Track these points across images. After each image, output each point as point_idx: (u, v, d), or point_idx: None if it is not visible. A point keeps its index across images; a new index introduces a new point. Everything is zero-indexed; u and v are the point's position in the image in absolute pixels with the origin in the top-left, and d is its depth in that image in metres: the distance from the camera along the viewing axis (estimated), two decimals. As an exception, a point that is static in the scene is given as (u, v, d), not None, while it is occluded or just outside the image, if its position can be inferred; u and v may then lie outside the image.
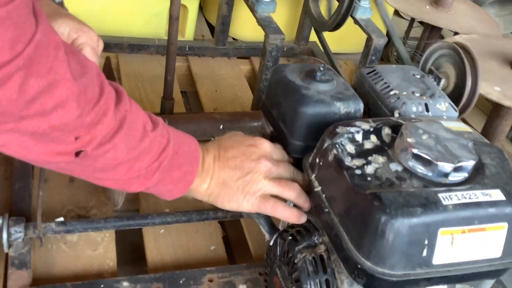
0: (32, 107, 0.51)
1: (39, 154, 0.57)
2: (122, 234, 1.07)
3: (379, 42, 1.43)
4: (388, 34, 1.55)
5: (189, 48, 1.75)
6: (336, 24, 1.51)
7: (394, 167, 0.68)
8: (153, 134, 0.67)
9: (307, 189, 0.78)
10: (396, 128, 0.74)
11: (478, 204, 0.63)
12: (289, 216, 0.76)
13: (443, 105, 0.85)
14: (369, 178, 0.66)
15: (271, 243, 0.84)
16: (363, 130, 0.73)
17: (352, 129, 0.72)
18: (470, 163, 0.66)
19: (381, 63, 1.64)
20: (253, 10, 1.42)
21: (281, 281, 0.80)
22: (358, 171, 0.67)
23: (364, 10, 1.50)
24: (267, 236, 0.87)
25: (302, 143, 0.81)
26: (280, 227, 0.88)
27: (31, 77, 0.50)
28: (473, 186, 0.65)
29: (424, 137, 0.68)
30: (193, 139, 0.75)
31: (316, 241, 0.77)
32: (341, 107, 0.79)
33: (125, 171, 0.65)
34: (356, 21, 1.51)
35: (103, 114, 0.59)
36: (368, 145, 0.72)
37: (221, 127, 1.16)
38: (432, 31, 1.75)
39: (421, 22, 1.91)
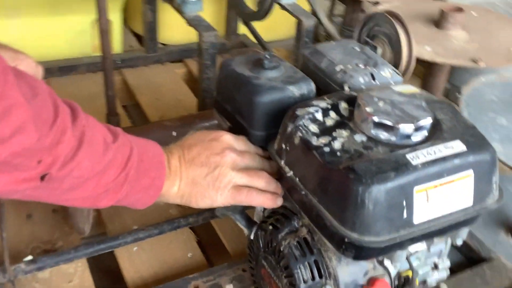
0: None
1: (4, 184, 0.55)
2: (95, 260, 1.04)
3: (309, 23, 1.46)
4: (314, 14, 1.58)
5: (121, 60, 1.71)
6: (265, 12, 1.53)
7: (359, 138, 0.69)
8: (115, 145, 0.65)
9: (278, 176, 0.78)
10: (351, 101, 0.76)
11: (444, 158, 0.66)
12: (264, 201, 0.76)
13: (387, 72, 0.88)
14: (338, 153, 0.67)
15: (251, 237, 0.84)
16: (322, 108, 0.74)
17: (311, 109, 0.74)
18: (428, 121, 0.69)
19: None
20: (180, 12, 1.41)
21: (270, 271, 0.80)
22: (326, 149, 0.68)
23: (288, -6, 1.53)
24: (245, 231, 0.87)
25: (263, 132, 0.81)
26: (256, 219, 0.89)
27: None
28: (435, 142, 0.68)
29: (381, 104, 0.70)
30: (155, 144, 0.74)
31: (296, 225, 0.77)
32: (294, 90, 0.80)
33: (92, 187, 0.64)
34: (283, 7, 1.53)
35: (61, 133, 0.57)
36: (329, 122, 0.73)
37: (174, 133, 1.14)
38: (354, 5, 1.80)
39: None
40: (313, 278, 0.74)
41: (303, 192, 0.70)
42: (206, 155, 0.75)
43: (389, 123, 0.67)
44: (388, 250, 0.67)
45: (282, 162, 0.75)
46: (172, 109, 1.57)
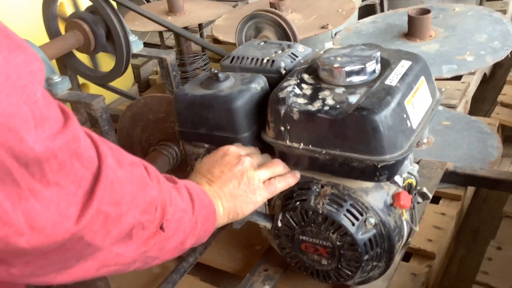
0: None
1: (134, 250, 0.56)
2: None
3: (172, 57, 1.55)
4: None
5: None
6: (123, 68, 1.57)
7: (339, 90, 0.83)
8: (180, 184, 0.69)
9: (281, 157, 0.87)
10: (308, 71, 0.89)
11: (406, 74, 0.83)
12: (290, 180, 0.85)
13: (301, 48, 1.03)
14: (337, 106, 0.79)
15: (279, 224, 0.91)
16: (294, 84, 0.86)
17: (289, 89, 0.85)
18: (378, 54, 0.85)
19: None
20: (52, 95, 1.37)
21: (312, 240, 0.89)
22: (326, 108, 0.80)
23: (136, 43, 1.60)
24: (268, 225, 0.94)
25: (248, 132, 0.89)
26: (267, 212, 0.96)
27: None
28: (391, 67, 0.85)
29: (339, 59, 0.85)
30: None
31: (317, 189, 0.87)
32: (256, 86, 0.90)
33: (184, 227, 0.66)
34: (135, 55, 1.59)
35: (157, 180, 0.60)
36: (307, 91, 0.85)
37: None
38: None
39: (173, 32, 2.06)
40: (357, 219, 0.85)
41: (323, 152, 0.81)
42: (228, 169, 0.80)
43: (358, 67, 0.82)
44: (407, 156, 0.81)
45: (288, 142, 0.84)
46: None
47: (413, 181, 0.93)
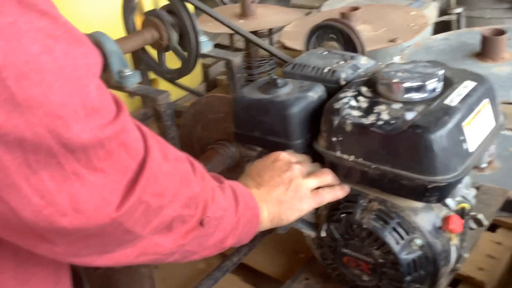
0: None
1: (172, 242, 0.58)
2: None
3: (238, 60, 1.58)
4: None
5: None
6: (192, 66, 1.62)
7: (396, 106, 0.81)
8: (225, 184, 0.70)
9: (331, 168, 0.87)
10: (367, 84, 0.88)
11: (468, 95, 0.81)
12: (338, 193, 0.85)
13: (364, 60, 1.02)
14: (392, 121, 0.78)
15: (322, 235, 0.91)
16: (351, 96, 0.85)
17: (345, 100, 0.84)
18: (442, 72, 0.83)
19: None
20: (121, 88, 1.44)
21: (355, 254, 0.88)
22: (380, 122, 0.79)
23: (206, 44, 1.64)
24: (312, 234, 0.94)
25: (301, 140, 0.90)
26: (308, 218, 0.96)
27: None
28: (454, 87, 0.83)
29: (400, 74, 0.84)
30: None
31: (365, 203, 0.86)
32: (313, 95, 0.91)
33: (224, 226, 0.67)
34: (204, 56, 1.64)
35: (201, 177, 0.62)
36: (363, 104, 0.84)
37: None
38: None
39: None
40: (402, 238, 0.83)
41: (373, 166, 0.80)
42: (277, 174, 0.81)
43: (418, 84, 0.80)
44: (460, 179, 0.79)
45: (338, 153, 0.84)
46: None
47: (467, 205, 0.90)
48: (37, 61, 0.41)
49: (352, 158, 0.83)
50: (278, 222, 0.81)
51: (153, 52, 1.77)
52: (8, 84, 0.40)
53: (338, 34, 1.20)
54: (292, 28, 1.73)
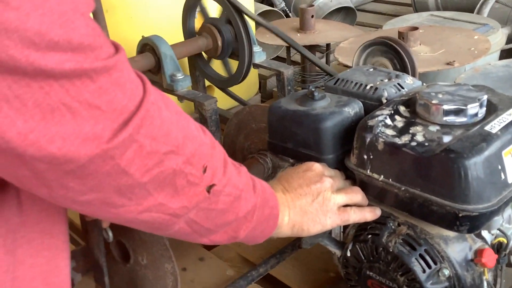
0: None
1: (178, 203, 0.57)
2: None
3: (289, 72, 1.58)
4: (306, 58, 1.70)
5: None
6: (243, 76, 1.63)
7: (433, 128, 0.78)
8: (243, 169, 0.69)
9: (361, 186, 0.85)
10: (406, 104, 0.85)
11: (511, 123, 0.76)
12: (366, 214, 0.82)
13: (409, 80, 0.99)
14: (426, 144, 0.75)
15: (348, 254, 0.88)
16: (387, 115, 0.83)
17: (380, 118, 0.82)
18: (485, 97, 0.79)
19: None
20: (172, 91, 1.47)
21: (379, 278, 0.85)
22: (413, 143, 0.76)
23: (260, 54, 1.65)
24: (337, 252, 0.91)
25: (333, 155, 0.88)
26: (341, 239, 0.93)
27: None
28: (498, 113, 0.79)
29: (440, 96, 0.80)
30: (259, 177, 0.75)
31: (393, 226, 0.83)
32: (349, 110, 0.89)
33: (237, 209, 0.66)
34: (256, 66, 1.65)
35: (211, 143, 0.61)
36: (399, 124, 0.82)
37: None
38: (310, 51, 1.96)
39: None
40: (429, 266, 0.79)
41: (402, 188, 0.77)
42: (307, 184, 0.80)
43: (458, 107, 0.77)
44: (497, 212, 0.74)
45: (368, 171, 0.82)
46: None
47: (504, 240, 0.84)
48: None
49: (382, 178, 0.80)
50: (298, 232, 0.79)
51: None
52: None
53: (390, 52, 1.17)
54: (348, 44, 1.71)
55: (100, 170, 0.49)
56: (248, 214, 0.68)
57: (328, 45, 1.98)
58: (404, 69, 1.15)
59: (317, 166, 0.83)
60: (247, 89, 2.18)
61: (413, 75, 1.15)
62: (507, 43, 1.98)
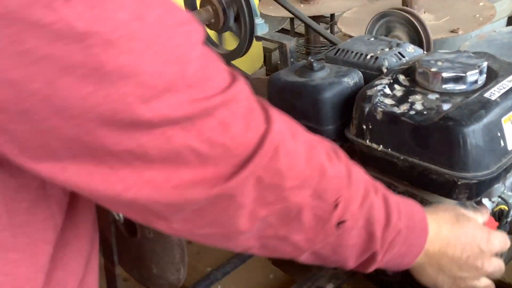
0: None
1: (300, 239, 0.53)
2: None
3: (292, 44, 1.56)
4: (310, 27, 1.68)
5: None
6: (245, 49, 1.62)
7: (432, 96, 0.77)
8: (379, 193, 0.60)
9: (362, 157, 0.84)
10: (406, 72, 0.84)
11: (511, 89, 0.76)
12: None
13: (411, 48, 0.98)
14: (425, 112, 0.75)
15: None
16: (386, 84, 0.82)
17: (379, 87, 0.81)
18: (485, 64, 0.78)
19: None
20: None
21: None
22: (412, 112, 0.75)
23: (262, 26, 1.63)
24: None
25: (332, 126, 0.88)
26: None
27: None
28: (498, 80, 0.78)
29: (440, 63, 0.79)
30: (419, 206, 0.66)
31: (393, 196, 0.83)
32: (349, 80, 0.88)
33: (374, 244, 0.58)
34: (259, 38, 1.63)
35: (347, 172, 0.55)
36: (398, 93, 0.81)
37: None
38: (314, 21, 1.94)
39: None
40: (429, 235, 0.79)
41: (401, 158, 0.77)
42: (471, 258, 0.67)
43: (458, 74, 0.76)
44: (496, 179, 0.74)
45: (367, 141, 0.81)
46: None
47: (506, 207, 0.84)
48: (127, 28, 0.38)
49: (381, 147, 0.80)
50: (417, 275, 0.69)
51: (212, 33, 1.79)
52: (95, 52, 0.37)
53: (402, 23, 1.15)
54: (351, 14, 1.68)
55: (217, 207, 0.46)
56: (389, 243, 0.59)
57: (332, 15, 1.95)
58: (419, 42, 1.14)
59: (496, 243, 0.69)
60: (251, 62, 2.17)
61: (428, 48, 1.14)
62: (515, 9, 1.94)
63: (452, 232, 0.66)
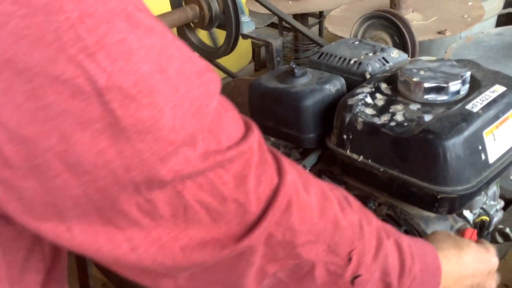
0: None
1: None
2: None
3: (278, 43, 1.54)
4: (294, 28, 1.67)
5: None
6: (231, 47, 1.60)
7: (414, 107, 0.76)
8: (390, 241, 0.56)
9: (343, 167, 0.83)
10: (388, 81, 0.83)
11: (494, 100, 0.74)
12: None
13: (395, 53, 0.96)
14: (405, 124, 0.73)
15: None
16: (368, 93, 0.80)
17: (360, 96, 0.80)
18: (468, 74, 0.76)
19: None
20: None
21: (359, 258, 0.84)
22: (392, 123, 0.74)
23: (248, 24, 1.61)
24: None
25: (313, 134, 0.86)
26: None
27: None
28: (480, 91, 0.76)
29: (422, 72, 0.78)
30: (431, 247, 0.63)
31: (373, 206, 0.82)
32: (330, 87, 0.86)
33: None
34: (245, 36, 1.61)
35: (359, 220, 0.53)
36: (380, 102, 0.79)
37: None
38: (303, 21, 1.92)
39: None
40: (409, 247, 0.78)
41: (381, 169, 0.75)
42: (481, 282, 0.67)
43: (439, 85, 0.74)
44: (476, 193, 0.73)
45: (348, 151, 0.80)
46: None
47: (487, 218, 0.83)
48: (148, 81, 0.37)
49: (361, 158, 0.78)
50: None
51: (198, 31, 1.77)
52: (112, 107, 0.36)
53: (390, 26, 1.14)
54: (339, 12, 1.66)
55: (225, 265, 0.44)
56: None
57: (321, 12, 1.93)
58: (404, 45, 1.12)
59: (495, 265, 0.70)
60: (239, 58, 2.15)
61: (413, 52, 1.12)
62: (505, 7, 1.93)
63: (461, 263, 0.65)
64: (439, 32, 1.33)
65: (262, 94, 0.89)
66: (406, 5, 1.47)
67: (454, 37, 1.44)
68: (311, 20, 2.06)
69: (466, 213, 0.81)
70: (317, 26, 2.06)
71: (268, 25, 2.56)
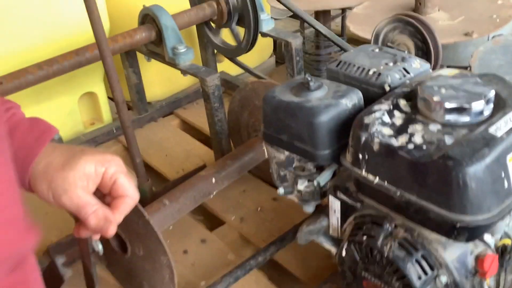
0: None
1: None
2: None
3: (297, 43, 1.49)
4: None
5: (116, 129, 1.70)
6: (250, 45, 1.56)
7: (434, 127, 0.72)
8: None
9: (357, 185, 0.80)
10: (407, 96, 0.79)
11: (520, 123, 0.70)
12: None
13: (417, 63, 0.92)
14: (424, 147, 0.69)
15: (343, 254, 0.85)
16: (386, 110, 0.77)
17: (377, 114, 0.76)
18: (492, 94, 0.72)
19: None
20: (174, 64, 1.42)
21: (374, 281, 0.81)
22: (410, 146, 0.70)
23: (267, 22, 1.57)
24: (333, 250, 0.88)
25: (328, 150, 0.83)
26: (332, 233, 0.89)
27: None
28: (505, 112, 0.72)
29: (443, 90, 0.74)
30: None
31: (390, 228, 0.79)
32: (347, 102, 0.83)
33: None
34: (264, 35, 1.57)
35: None
36: (398, 121, 0.76)
37: (213, 180, 1.14)
38: (324, 17, 1.86)
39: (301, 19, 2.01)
40: (425, 273, 0.75)
41: (397, 193, 0.72)
42: None
43: (461, 105, 0.70)
44: (497, 222, 0.69)
45: (363, 172, 0.76)
46: (185, 161, 1.57)
47: (509, 242, 0.79)
48: None
49: (377, 180, 0.75)
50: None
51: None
52: None
53: (410, 30, 1.09)
54: (362, 10, 1.61)
55: None
56: None
57: (343, 9, 1.87)
58: (427, 52, 1.07)
59: None
60: (260, 52, 2.10)
61: (436, 59, 1.07)
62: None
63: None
64: (466, 34, 1.27)
65: (276, 107, 0.87)
66: (432, 3, 1.42)
67: (482, 39, 1.37)
68: (333, 12, 2.01)
69: (487, 237, 0.77)
70: (340, 20, 2.01)
71: (290, 16, 2.50)
